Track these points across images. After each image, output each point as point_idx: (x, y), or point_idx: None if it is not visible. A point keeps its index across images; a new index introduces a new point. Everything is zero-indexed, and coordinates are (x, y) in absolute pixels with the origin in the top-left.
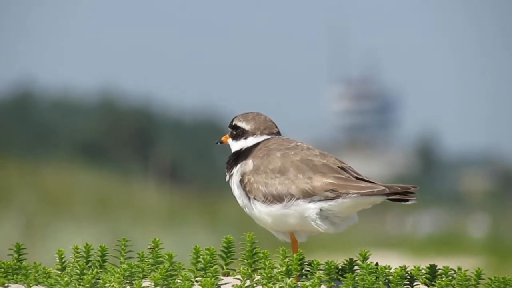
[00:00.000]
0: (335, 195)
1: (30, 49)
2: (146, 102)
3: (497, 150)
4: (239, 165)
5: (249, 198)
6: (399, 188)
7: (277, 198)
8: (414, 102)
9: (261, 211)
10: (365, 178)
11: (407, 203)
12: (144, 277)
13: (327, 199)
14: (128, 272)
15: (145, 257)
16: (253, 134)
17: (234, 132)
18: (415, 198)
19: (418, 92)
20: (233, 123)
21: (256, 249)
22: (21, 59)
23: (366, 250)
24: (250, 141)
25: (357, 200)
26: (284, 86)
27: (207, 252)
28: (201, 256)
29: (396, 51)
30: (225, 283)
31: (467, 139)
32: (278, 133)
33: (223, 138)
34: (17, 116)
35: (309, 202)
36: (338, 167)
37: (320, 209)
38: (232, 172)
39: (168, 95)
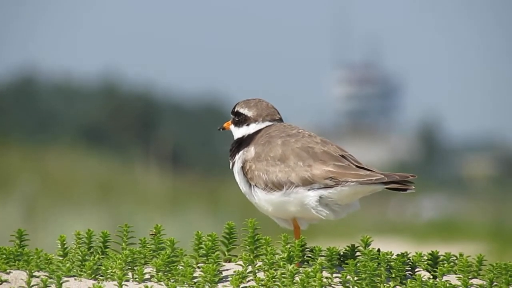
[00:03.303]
0: (334, 183)
1: (33, 35)
2: (148, 87)
3: (500, 136)
4: (241, 152)
5: (250, 185)
6: (397, 177)
7: (277, 186)
8: (416, 87)
9: (261, 198)
10: (365, 166)
11: (405, 192)
12: (146, 263)
13: (327, 187)
14: (130, 258)
15: (147, 243)
16: (255, 120)
17: (237, 119)
18: (413, 187)
19: (421, 77)
20: (235, 110)
21: (258, 235)
22: (23, 45)
23: (368, 236)
24: (252, 128)
25: (356, 188)
26: (286, 71)
27: (209, 238)
28: (203, 242)
29: (399, 36)
30: (227, 269)
31: (470, 124)
32: (280, 120)
33: (225, 125)
34: (19, 101)
35: (309, 189)
36: (339, 155)
37: (320, 197)
38: (234, 159)
39: (170, 80)
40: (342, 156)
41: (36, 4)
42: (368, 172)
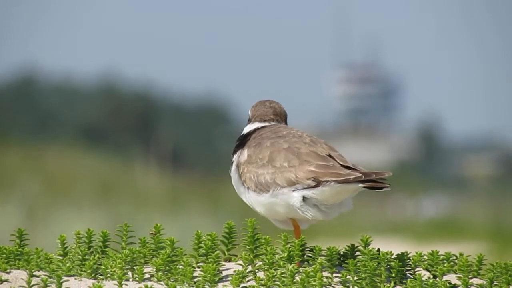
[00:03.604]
0: (316, 183)
1: (33, 35)
2: (148, 87)
3: (500, 135)
4: (236, 154)
5: (244, 187)
6: (373, 175)
7: (266, 187)
8: (416, 87)
9: (253, 200)
10: (351, 166)
11: (381, 190)
12: (145, 263)
13: (309, 187)
14: (129, 257)
15: (147, 243)
16: (249, 121)
17: None
18: (388, 185)
19: (421, 76)
20: None
21: (258, 234)
22: (24, 45)
23: (368, 236)
24: (246, 128)
25: (336, 187)
26: (287, 71)
27: (209, 237)
28: (202, 242)
29: (399, 36)
30: (227, 269)
31: (470, 123)
32: (275, 120)
33: None
34: (19, 100)
35: (293, 190)
36: (326, 154)
37: (304, 197)
38: (233, 159)
39: (170, 80)
40: (329, 155)
41: (36, 4)
42: (348, 171)
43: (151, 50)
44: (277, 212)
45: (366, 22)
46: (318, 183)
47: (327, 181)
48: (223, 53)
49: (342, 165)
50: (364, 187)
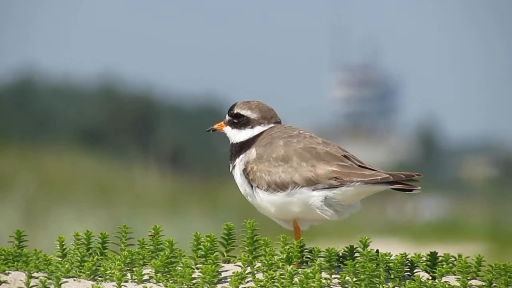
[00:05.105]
0: (339, 183)
1: (32, 35)
2: (147, 88)
3: (498, 137)
4: (242, 155)
5: (252, 187)
6: (403, 176)
7: (281, 186)
8: (415, 89)
9: (263, 199)
10: (368, 166)
11: (411, 192)
12: (144, 264)
13: (331, 187)
14: (128, 259)
15: (146, 244)
16: (259, 123)
17: (236, 121)
18: (419, 188)
19: (420, 78)
20: (235, 112)
21: (257, 236)
22: (22, 45)
23: (366, 237)
24: (257, 130)
25: (361, 188)
26: (285, 73)
27: (208, 239)
28: (201, 243)
29: (397, 38)
30: (226, 270)
31: (469, 125)
32: (280, 122)
33: (217, 126)
34: (18, 102)
35: (313, 190)
36: (342, 155)
37: (325, 197)
38: (235, 162)
39: (169, 81)
40: (345, 156)
41: (35, 4)
42: (373, 172)
43: (150, 51)
44: (289, 212)
45: (365, 24)
46: (342, 183)
47: (352, 181)
48: (222, 54)
49: (359, 166)
50: (393, 189)
